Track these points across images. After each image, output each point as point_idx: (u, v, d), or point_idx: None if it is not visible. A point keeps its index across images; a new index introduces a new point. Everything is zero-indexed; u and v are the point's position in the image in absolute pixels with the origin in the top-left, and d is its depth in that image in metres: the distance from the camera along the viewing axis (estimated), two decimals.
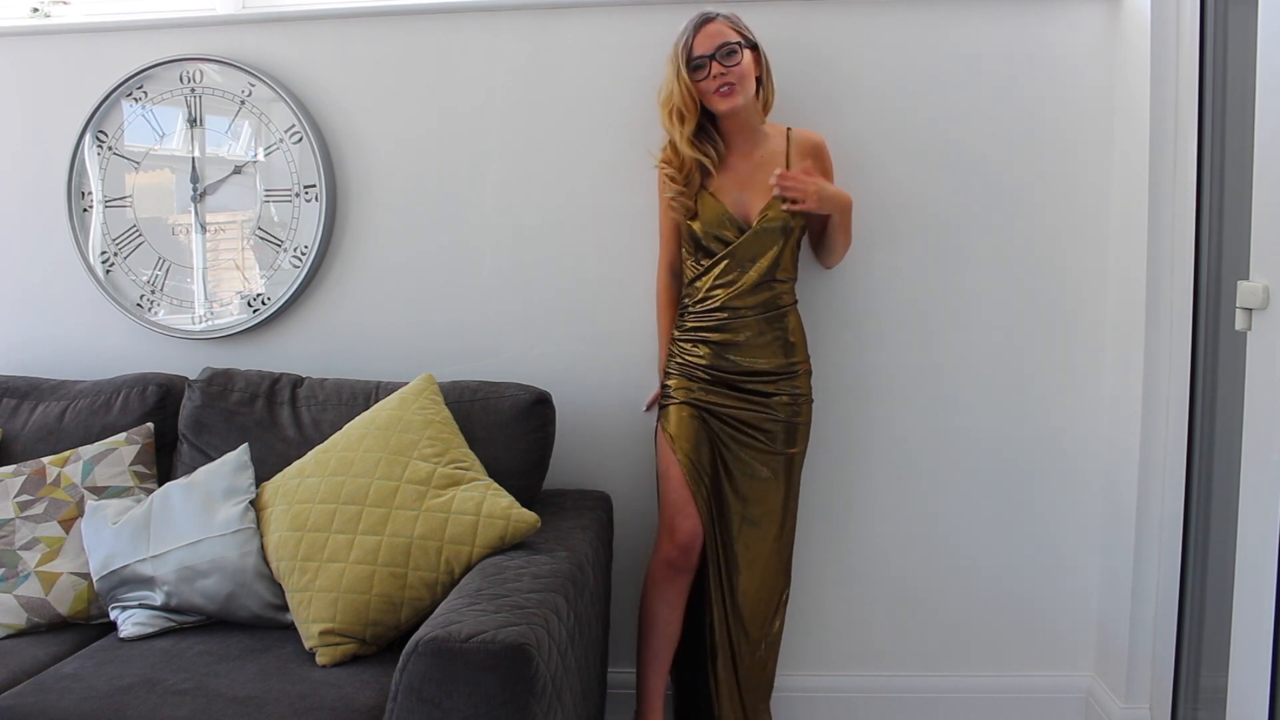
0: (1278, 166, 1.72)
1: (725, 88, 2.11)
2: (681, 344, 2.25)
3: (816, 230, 2.30)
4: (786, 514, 2.27)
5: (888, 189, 2.42)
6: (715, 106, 2.15)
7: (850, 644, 2.53)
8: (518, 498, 2.02)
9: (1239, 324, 1.80)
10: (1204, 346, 2.21)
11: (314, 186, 2.48)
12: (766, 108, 2.25)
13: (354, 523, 1.93)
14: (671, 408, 2.23)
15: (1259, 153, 1.77)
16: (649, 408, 2.40)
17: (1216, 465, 2.20)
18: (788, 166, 2.20)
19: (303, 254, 2.50)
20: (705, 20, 2.12)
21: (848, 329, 2.46)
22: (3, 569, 2.05)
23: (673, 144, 2.19)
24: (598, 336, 2.48)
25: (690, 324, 2.23)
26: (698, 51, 2.11)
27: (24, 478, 2.16)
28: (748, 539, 2.23)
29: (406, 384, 2.21)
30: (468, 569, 1.88)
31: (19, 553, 2.06)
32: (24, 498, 2.13)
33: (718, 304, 2.19)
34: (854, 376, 2.47)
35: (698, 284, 2.22)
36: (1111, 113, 2.37)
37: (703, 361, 2.21)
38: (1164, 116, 2.20)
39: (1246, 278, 1.80)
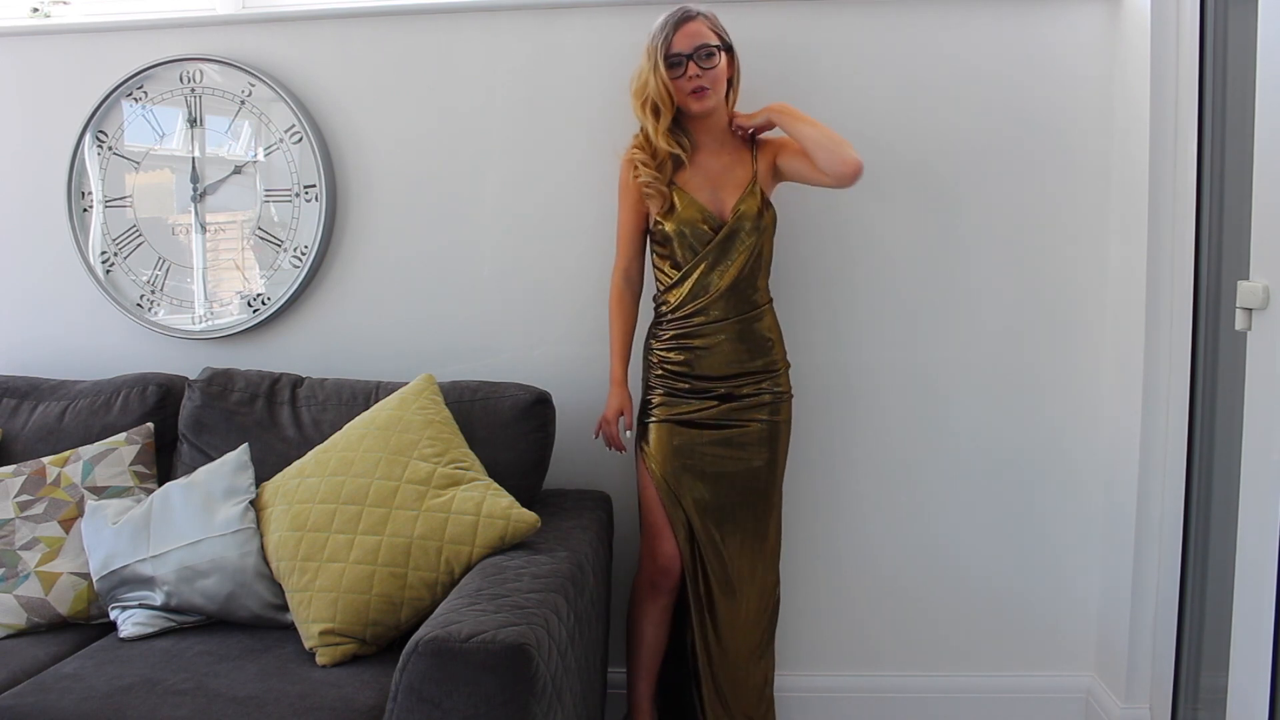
0: (1278, 166, 1.72)
1: (700, 90, 2.11)
2: (661, 352, 2.23)
3: (794, 161, 2.17)
4: (772, 517, 2.26)
5: (886, 189, 2.41)
6: (689, 107, 2.14)
7: (849, 644, 2.54)
8: (518, 498, 2.02)
9: (1239, 324, 1.80)
10: (1204, 346, 2.21)
11: (314, 186, 2.48)
12: (731, 108, 2.23)
13: (354, 523, 1.93)
14: (651, 426, 2.22)
15: (1259, 153, 1.77)
16: (598, 433, 2.30)
17: (1216, 465, 2.20)
18: (754, 164, 2.20)
19: (303, 254, 2.50)
20: (686, 18, 2.11)
21: (843, 328, 2.46)
22: (3, 569, 2.05)
23: (646, 135, 2.18)
24: (598, 336, 2.47)
25: (669, 333, 2.22)
26: (676, 49, 2.10)
27: (24, 478, 2.16)
28: (734, 554, 2.22)
29: (406, 384, 2.21)
30: (468, 569, 1.88)
31: (19, 553, 2.06)
32: (24, 498, 2.13)
33: (695, 309, 2.18)
34: (851, 376, 2.47)
35: (675, 291, 2.20)
36: (1111, 113, 2.37)
37: (684, 369, 2.20)
38: (1164, 116, 2.20)
39: (1246, 278, 1.80)
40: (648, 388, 2.27)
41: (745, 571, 2.23)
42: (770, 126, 2.18)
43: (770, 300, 2.26)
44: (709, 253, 2.16)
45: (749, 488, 2.22)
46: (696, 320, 2.18)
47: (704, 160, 2.21)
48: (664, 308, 2.24)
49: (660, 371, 2.23)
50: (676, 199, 2.18)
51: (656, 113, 2.14)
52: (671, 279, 2.21)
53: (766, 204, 2.19)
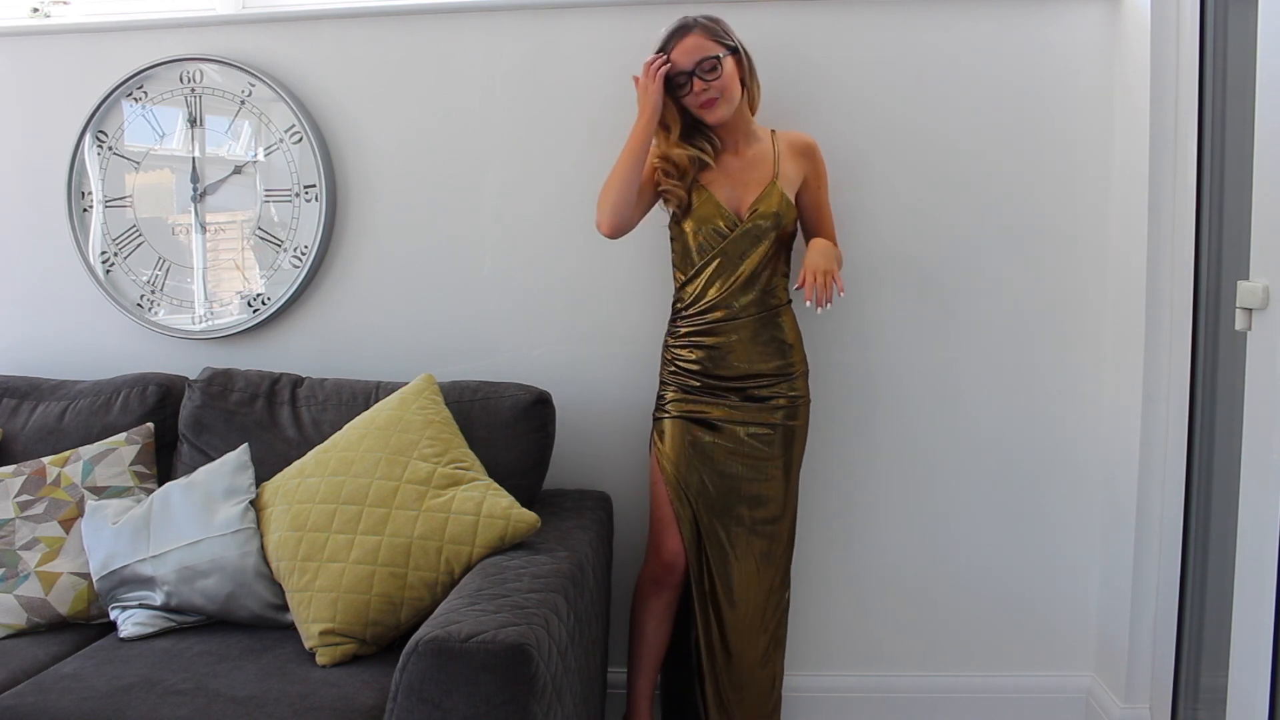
0: (1278, 166, 1.72)
1: (709, 102, 2.10)
2: (675, 350, 2.23)
3: (809, 228, 2.29)
4: (783, 522, 2.26)
5: (886, 191, 2.42)
6: (703, 118, 2.13)
7: (851, 644, 2.54)
8: (518, 498, 2.02)
9: (1239, 324, 1.80)
10: (1204, 346, 2.21)
11: (314, 186, 2.48)
12: (753, 107, 2.22)
13: (354, 523, 1.93)
14: (666, 421, 2.22)
15: (1259, 153, 1.77)
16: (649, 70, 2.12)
17: (1216, 465, 2.20)
18: (775, 166, 2.19)
19: (303, 254, 2.50)
20: (683, 32, 2.08)
21: (847, 329, 2.45)
22: (3, 569, 2.05)
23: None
24: (598, 336, 2.48)
25: (684, 330, 2.22)
26: (676, 68, 2.09)
27: (24, 478, 2.16)
28: (743, 554, 2.21)
29: (406, 384, 2.21)
30: (468, 569, 1.88)
31: (19, 553, 2.06)
32: (24, 498, 2.13)
33: (710, 305, 2.17)
34: (852, 377, 2.47)
35: (689, 287, 2.20)
36: (1111, 113, 2.37)
37: (696, 367, 2.20)
38: (1164, 116, 2.20)
39: (1246, 278, 1.80)
40: (662, 384, 2.27)
41: (752, 574, 2.22)
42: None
43: (789, 300, 2.26)
44: (723, 250, 2.16)
45: (760, 491, 2.21)
46: (711, 317, 2.18)
47: (726, 159, 2.20)
48: (679, 304, 2.24)
49: (674, 369, 2.23)
50: (695, 197, 2.17)
51: (667, 130, 2.15)
52: (686, 275, 2.21)
53: (787, 203, 2.18)
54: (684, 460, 2.19)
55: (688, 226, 2.18)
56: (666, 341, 2.27)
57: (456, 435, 2.10)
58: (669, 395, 2.23)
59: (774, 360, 2.21)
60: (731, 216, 2.17)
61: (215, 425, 2.26)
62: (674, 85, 2.10)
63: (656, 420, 2.26)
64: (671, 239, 2.25)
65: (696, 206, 2.17)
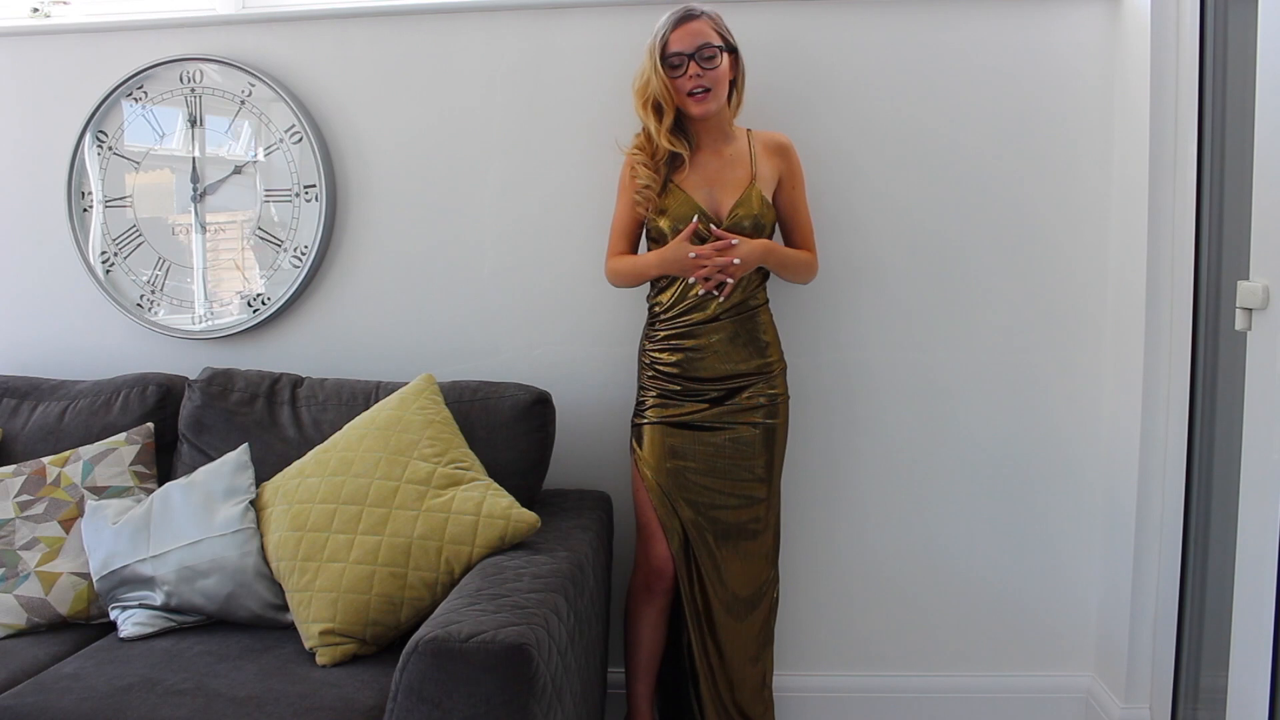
0: (1278, 166, 1.72)
1: (700, 91, 2.09)
2: (653, 353, 2.22)
3: (785, 227, 2.27)
4: (768, 521, 2.25)
5: (884, 190, 2.42)
6: (688, 109, 2.12)
7: (850, 644, 2.53)
8: (518, 498, 2.02)
9: (1239, 324, 1.80)
10: (1204, 346, 2.21)
11: (314, 186, 2.48)
12: (735, 111, 2.22)
13: (354, 523, 1.93)
14: (645, 428, 2.21)
15: (1259, 153, 1.77)
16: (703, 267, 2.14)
17: (1216, 465, 2.20)
18: (752, 166, 2.19)
19: (303, 254, 2.50)
20: (688, 17, 2.09)
21: (844, 328, 2.46)
22: (3, 569, 2.05)
23: (648, 133, 2.17)
24: (598, 336, 2.48)
25: (662, 333, 2.21)
26: (676, 47, 2.08)
27: (24, 478, 2.16)
28: (729, 555, 2.21)
29: (406, 384, 2.21)
30: (468, 569, 1.88)
31: (19, 553, 2.06)
32: (24, 498, 2.13)
33: (689, 307, 2.16)
34: (851, 377, 2.47)
35: (667, 291, 2.19)
36: (1111, 113, 2.37)
37: (676, 370, 2.19)
38: (1164, 116, 2.20)
39: (1246, 278, 1.80)
40: (641, 389, 2.26)
41: (740, 574, 2.22)
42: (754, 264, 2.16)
43: (766, 301, 2.26)
44: None
45: (744, 492, 2.21)
46: (690, 319, 2.17)
47: (703, 160, 2.19)
48: (657, 308, 2.23)
49: (652, 373, 2.22)
50: (670, 200, 2.16)
51: (659, 112, 2.12)
52: (665, 279, 2.21)
53: (766, 205, 2.19)
54: (664, 467, 2.18)
55: (665, 226, 2.17)
56: (644, 345, 2.26)
57: (456, 435, 2.10)
58: (648, 400, 2.22)
59: (753, 360, 2.20)
60: (709, 217, 2.16)
61: (215, 425, 2.26)
62: (670, 65, 2.09)
63: (636, 426, 2.25)
64: (651, 239, 2.24)
65: (672, 207, 2.16)
